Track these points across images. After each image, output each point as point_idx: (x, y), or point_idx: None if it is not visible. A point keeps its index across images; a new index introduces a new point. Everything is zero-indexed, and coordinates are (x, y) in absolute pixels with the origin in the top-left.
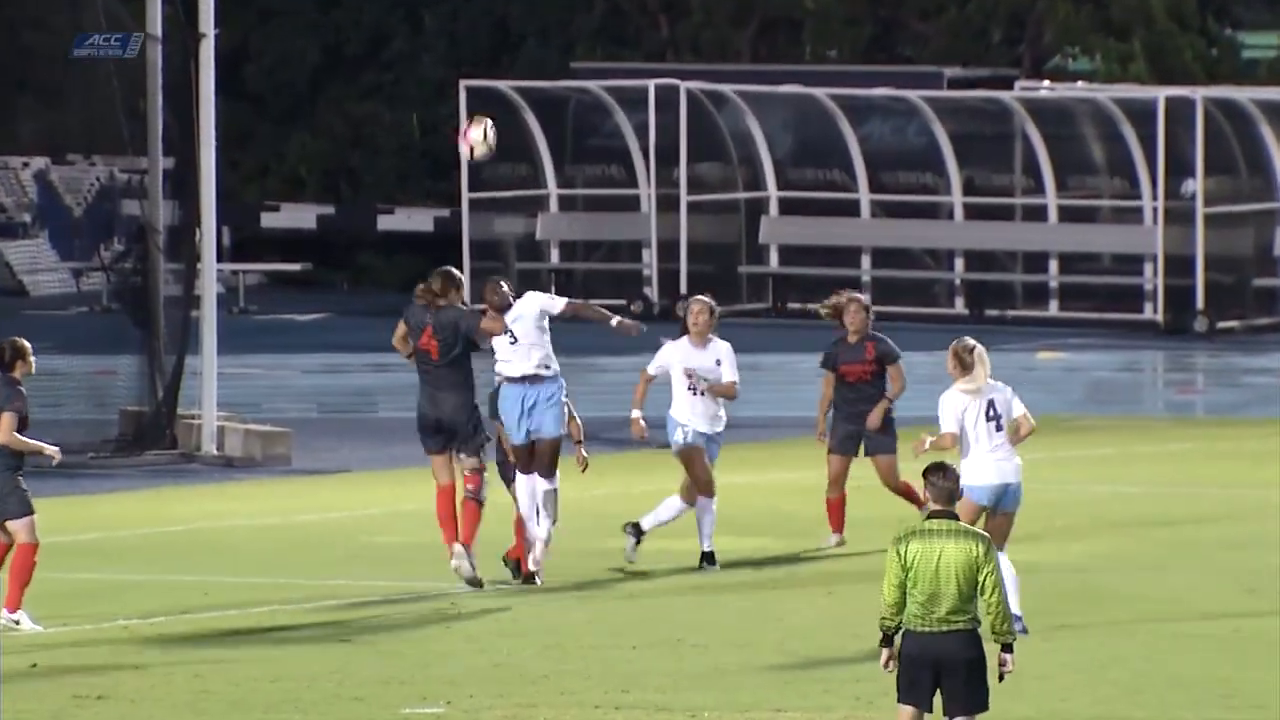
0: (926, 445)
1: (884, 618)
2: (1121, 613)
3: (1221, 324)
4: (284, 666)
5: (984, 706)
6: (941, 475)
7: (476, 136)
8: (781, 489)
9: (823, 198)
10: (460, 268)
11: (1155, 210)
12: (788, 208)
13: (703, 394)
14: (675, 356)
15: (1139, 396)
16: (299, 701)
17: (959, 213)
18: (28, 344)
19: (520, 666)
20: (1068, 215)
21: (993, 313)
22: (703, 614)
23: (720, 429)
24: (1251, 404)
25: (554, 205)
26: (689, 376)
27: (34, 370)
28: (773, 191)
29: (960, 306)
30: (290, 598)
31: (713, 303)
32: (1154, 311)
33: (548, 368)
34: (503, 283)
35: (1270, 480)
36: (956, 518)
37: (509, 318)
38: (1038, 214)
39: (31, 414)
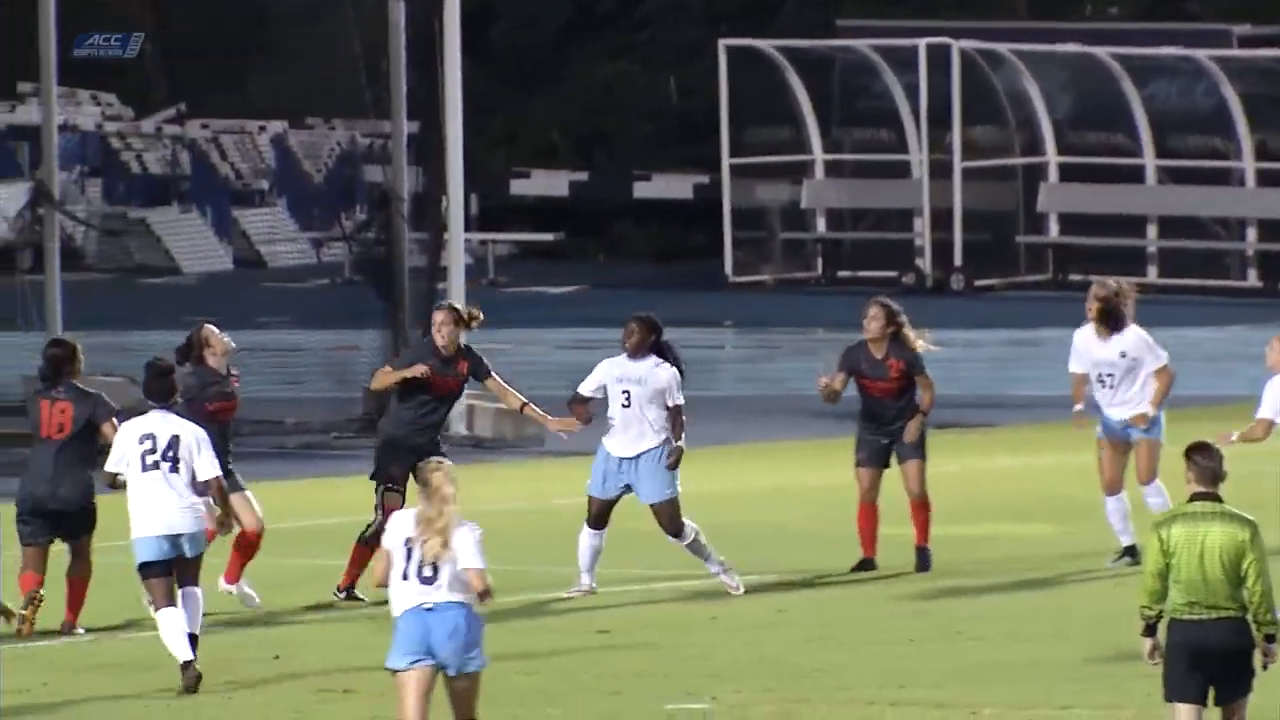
0: (1233, 439)
1: (1144, 607)
2: None
3: None
4: (537, 658)
5: (1248, 692)
6: (1205, 454)
7: None
8: (1059, 472)
9: (1105, 163)
10: (720, 237)
11: None
12: (1068, 174)
13: (1112, 388)
14: (1082, 348)
15: None
16: (553, 695)
17: (1251, 179)
18: (211, 328)
19: (789, 660)
20: None
21: None
22: (981, 605)
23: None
24: None
25: (820, 171)
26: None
27: (228, 348)
28: (1052, 156)
29: (1253, 278)
30: (543, 585)
31: (1117, 285)
32: None
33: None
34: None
35: None
36: (1220, 499)
37: (627, 376)
38: None
39: (271, 390)
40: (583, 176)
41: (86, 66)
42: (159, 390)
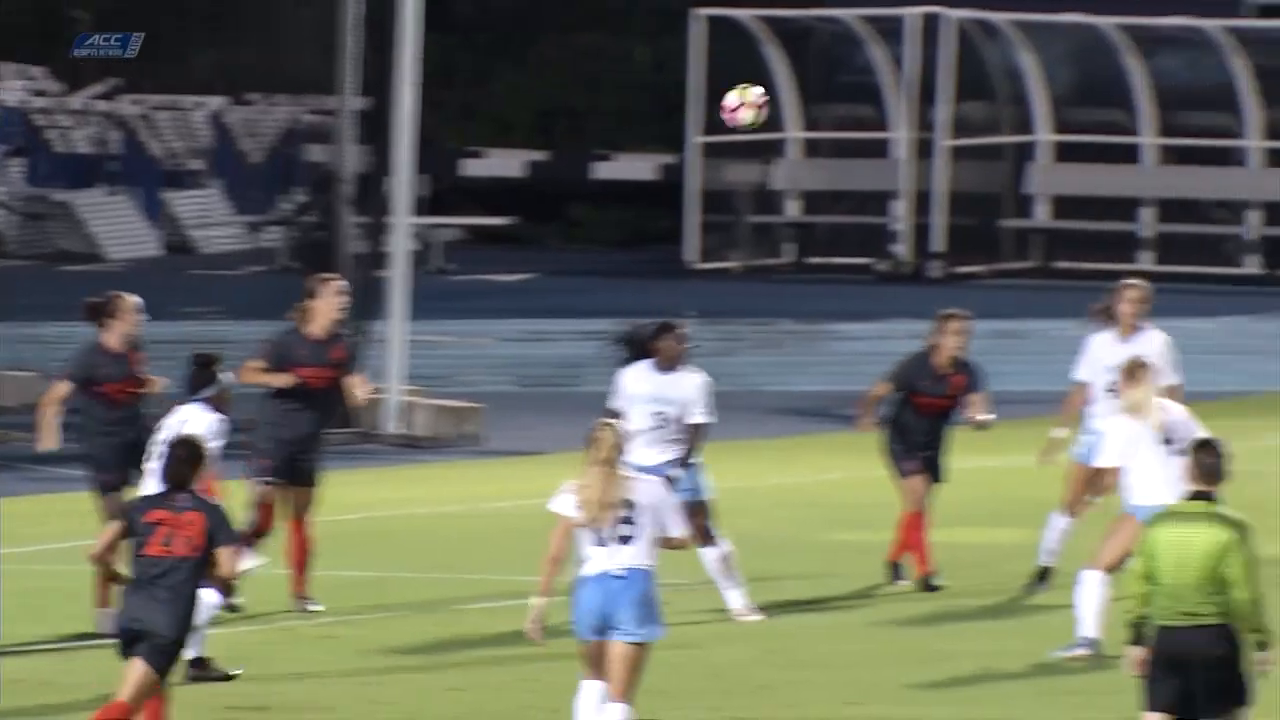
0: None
1: (1133, 611)
2: None
3: None
4: (467, 674)
5: (1239, 704)
6: (1208, 451)
7: (746, 117)
8: (1034, 475)
9: (1100, 141)
10: (683, 222)
11: None
12: (1062, 153)
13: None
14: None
15: None
16: (487, 713)
17: (1256, 159)
18: (130, 298)
19: (738, 676)
20: None
21: None
22: (945, 620)
23: None
24: None
25: (794, 150)
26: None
27: (134, 329)
28: (1043, 134)
29: (1254, 266)
30: (478, 596)
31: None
32: None
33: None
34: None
35: None
36: (1213, 499)
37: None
38: None
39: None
40: (541, 156)
41: (11, 36)
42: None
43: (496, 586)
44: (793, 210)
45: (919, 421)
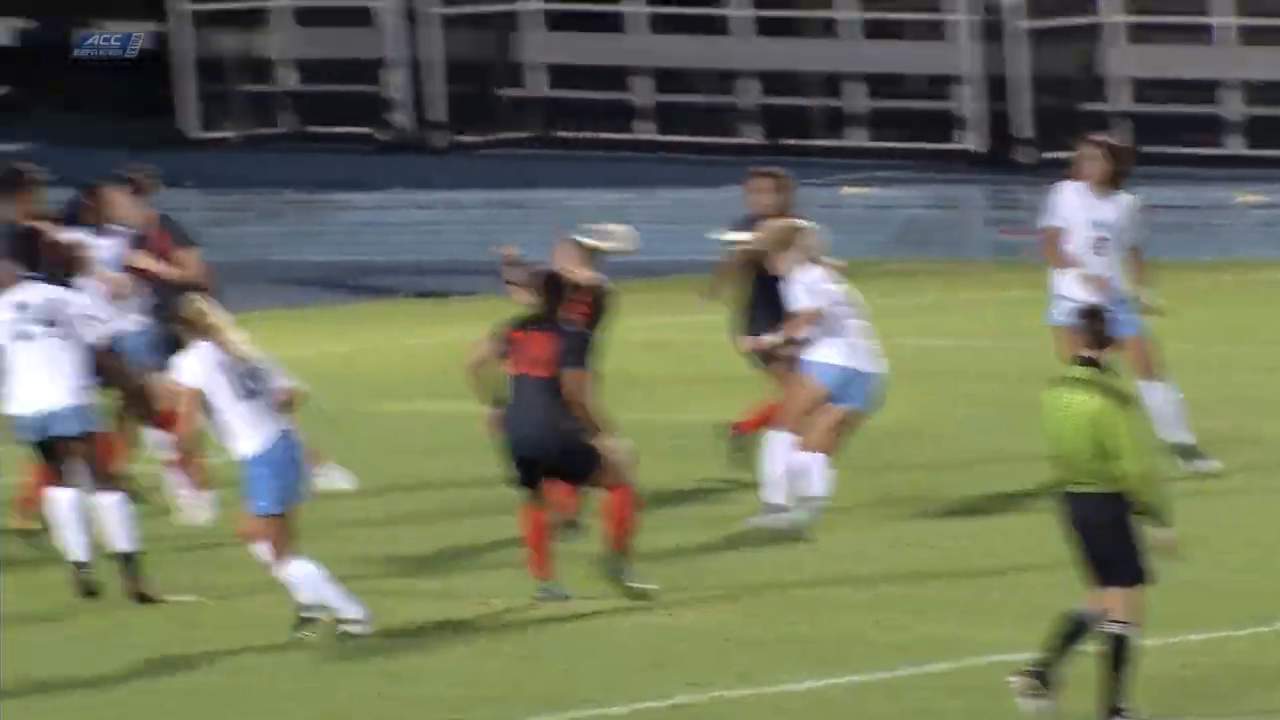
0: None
1: None
2: (923, 489)
3: (1049, 154)
4: None
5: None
6: (1094, 319)
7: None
8: None
9: (594, 10)
10: (174, 91)
11: (966, 25)
12: (556, 22)
13: None
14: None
15: (956, 237)
16: None
17: (751, 27)
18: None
19: None
20: (872, 31)
21: (790, 142)
22: None
23: None
24: None
25: (290, 20)
26: None
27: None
28: (540, 3)
29: (758, 135)
30: None
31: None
32: (972, 140)
33: None
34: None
35: None
36: (1097, 365)
37: None
38: (834, 30)
39: None
40: (27, 24)
41: None
42: None
43: None
44: (289, 80)
45: None
